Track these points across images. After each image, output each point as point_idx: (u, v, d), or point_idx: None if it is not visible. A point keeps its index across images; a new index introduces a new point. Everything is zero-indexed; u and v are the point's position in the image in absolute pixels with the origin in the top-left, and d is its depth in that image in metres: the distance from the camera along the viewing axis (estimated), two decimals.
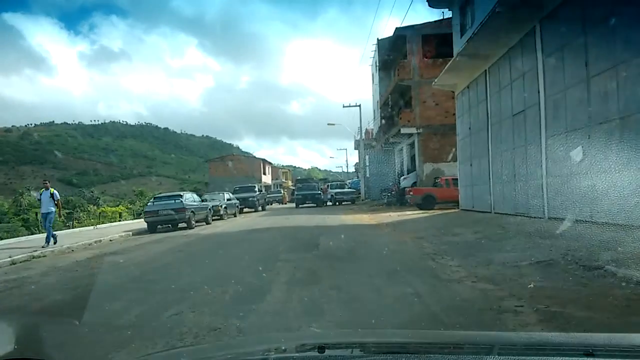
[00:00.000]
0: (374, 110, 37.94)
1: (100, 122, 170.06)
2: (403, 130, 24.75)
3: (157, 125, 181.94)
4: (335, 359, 1.40)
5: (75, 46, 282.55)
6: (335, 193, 32.44)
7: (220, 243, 11.49)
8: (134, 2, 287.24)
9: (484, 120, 13.82)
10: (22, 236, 17.77)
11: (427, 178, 24.55)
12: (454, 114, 25.43)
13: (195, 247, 11.10)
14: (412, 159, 27.18)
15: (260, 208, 28.68)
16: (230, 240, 12.07)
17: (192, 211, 15.51)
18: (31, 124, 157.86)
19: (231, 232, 14.06)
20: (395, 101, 27.27)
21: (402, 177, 26.53)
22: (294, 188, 38.12)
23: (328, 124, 38.54)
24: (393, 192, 28.24)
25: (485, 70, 13.59)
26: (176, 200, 15.28)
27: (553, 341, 1.59)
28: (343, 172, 74.95)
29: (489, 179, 13.42)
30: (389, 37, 28.94)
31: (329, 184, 36.85)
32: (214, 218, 20.41)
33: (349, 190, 33.64)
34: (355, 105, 38.70)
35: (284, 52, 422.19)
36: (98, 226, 19.75)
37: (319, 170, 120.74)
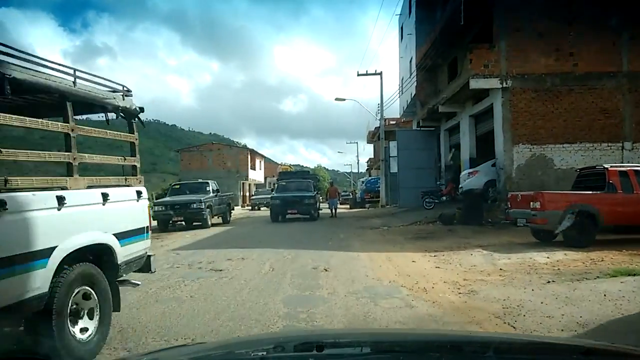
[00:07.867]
0: (402, 80, 26.34)
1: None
2: (474, 84, 13.37)
3: (165, 122, 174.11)
4: (333, 357, 1.41)
5: (73, 42, 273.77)
6: None
7: None
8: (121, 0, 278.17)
9: None
10: None
11: (520, 172, 13.13)
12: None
13: None
14: (482, 140, 15.78)
15: (219, 219, 17.29)
16: None
17: None
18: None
19: None
20: (453, 42, 15.77)
21: (466, 172, 15.13)
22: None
23: (336, 99, 27.15)
24: (445, 198, 16.96)
25: None
26: None
27: (551, 342, 1.67)
28: (352, 171, 63.83)
29: None
30: None
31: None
32: None
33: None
34: (375, 74, 26.96)
35: (285, 52, 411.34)
36: None
37: (326, 169, 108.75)
